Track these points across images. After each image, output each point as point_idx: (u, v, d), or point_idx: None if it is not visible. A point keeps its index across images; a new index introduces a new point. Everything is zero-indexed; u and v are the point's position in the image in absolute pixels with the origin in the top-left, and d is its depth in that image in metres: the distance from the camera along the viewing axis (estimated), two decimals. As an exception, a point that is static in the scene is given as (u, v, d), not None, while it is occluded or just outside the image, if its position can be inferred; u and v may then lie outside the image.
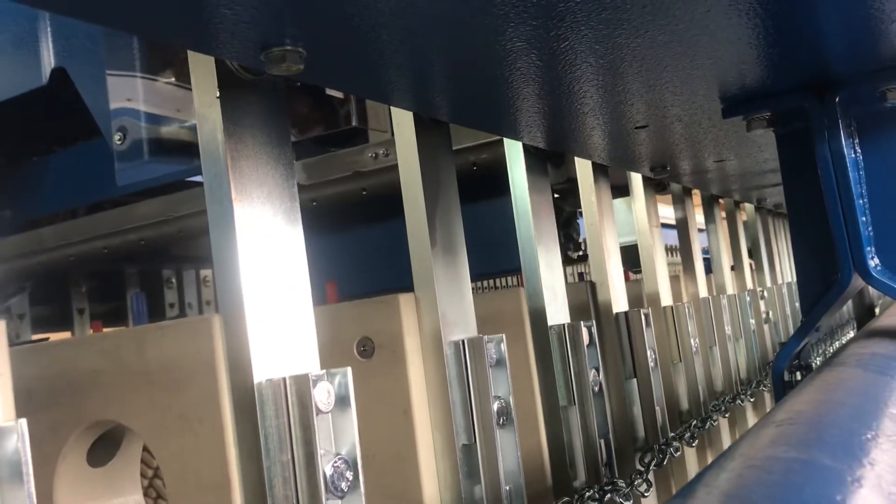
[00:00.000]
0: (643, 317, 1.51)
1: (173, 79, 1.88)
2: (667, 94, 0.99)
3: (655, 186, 1.81)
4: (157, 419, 0.79)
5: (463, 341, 0.98)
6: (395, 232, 1.06)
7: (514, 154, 1.27)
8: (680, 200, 2.01)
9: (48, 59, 2.22)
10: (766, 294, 2.49)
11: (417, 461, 0.95)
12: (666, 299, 1.75)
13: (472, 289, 1.06)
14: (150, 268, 2.91)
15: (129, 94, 1.98)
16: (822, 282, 1.10)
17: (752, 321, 2.22)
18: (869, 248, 1.06)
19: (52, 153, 2.60)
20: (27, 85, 2.24)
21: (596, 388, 1.25)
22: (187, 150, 1.88)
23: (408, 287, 1.00)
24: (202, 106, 0.73)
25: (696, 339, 1.73)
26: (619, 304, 1.54)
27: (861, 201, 1.07)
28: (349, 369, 0.73)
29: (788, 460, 0.48)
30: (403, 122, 1.00)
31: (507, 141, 1.27)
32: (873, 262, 1.06)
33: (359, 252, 2.25)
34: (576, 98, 0.99)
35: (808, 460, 0.48)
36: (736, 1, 0.72)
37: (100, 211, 2.48)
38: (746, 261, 2.53)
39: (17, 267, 2.59)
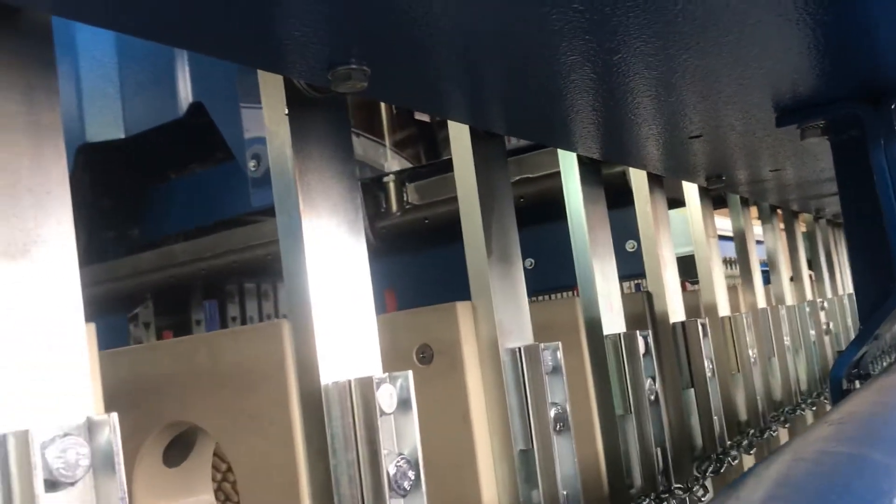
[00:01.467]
0: (700, 327, 1.51)
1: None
2: (720, 103, 1.00)
3: (713, 199, 1.81)
4: (229, 420, 0.83)
5: (519, 349, 1.00)
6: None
7: (568, 165, 1.29)
8: (737, 211, 2.00)
9: (185, 95, 2.48)
10: (826, 305, 2.45)
11: (476, 466, 0.97)
12: (723, 309, 1.74)
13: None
14: (213, 282, 3.02)
15: (262, 125, 2.18)
16: (879, 290, 1.10)
17: (813, 332, 2.19)
18: (928, 256, 1.06)
19: (179, 178, 2.83)
20: (165, 117, 2.48)
21: (652, 398, 1.26)
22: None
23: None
24: (272, 123, 0.77)
25: (755, 350, 1.72)
26: (676, 314, 1.55)
27: (919, 208, 1.06)
28: (410, 373, 0.76)
29: (838, 454, 0.49)
30: (460, 134, 1.03)
31: (560, 152, 1.29)
32: (933, 269, 1.06)
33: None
34: (629, 109, 1.01)
35: (857, 455, 0.49)
36: (786, 12, 0.74)
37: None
38: (806, 272, 2.50)
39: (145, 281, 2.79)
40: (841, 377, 1.13)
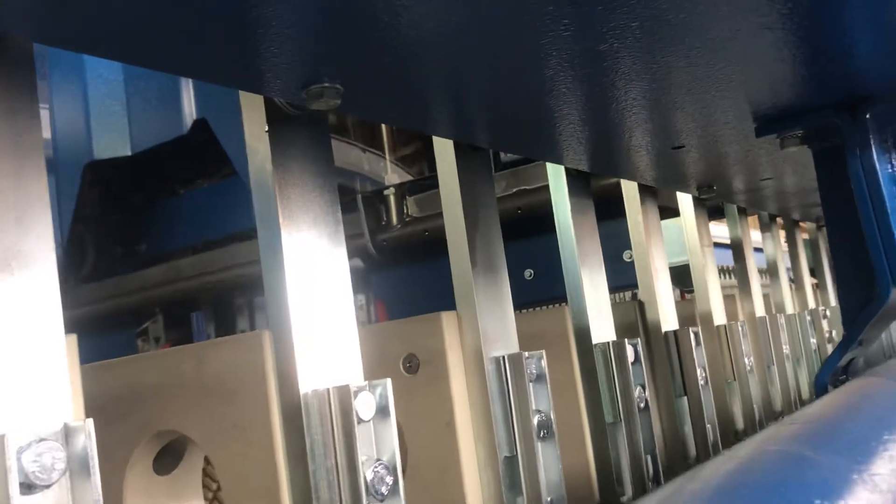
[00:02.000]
0: (693, 335, 1.53)
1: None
2: (697, 114, 1.02)
3: (709, 209, 1.83)
4: (213, 428, 0.86)
5: (503, 357, 1.02)
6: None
7: (557, 177, 1.31)
8: (734, 220, 2.01)
9: (189, 111, 2.54)
10: (829, 313, 2.45)
11: (461, 472, 0.99)
12: (719, 318, 1.75)
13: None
14: (219, 297, 3.05)
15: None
16: (862, 296, 1.11)
17: (814, 340, 2.19)
18: (909, 262, 1.07)
19: (185, 194, 2.88)
20: (170, 134, 2.55)
21: (642, 405, 1.27)
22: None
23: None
24: (252, 139, 0.80)
25: (751, 358, 1.73)
26: (669, 322, 1.56)
27: (901, 215, 1.08)
28: (389, 381, 0.78)
29: (784, 453, 0.51)
30: (444, 147, 1.06)
31: (549, 165, 1.31)
32: (914, 275, 1.07)
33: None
34: (610, 120, 1.03)
35: (804, 455, 0.51)
36: (760, 23, 0.75)
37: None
38: (808, 280, 2.50)
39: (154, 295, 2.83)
40: (825, 383, 1.15)
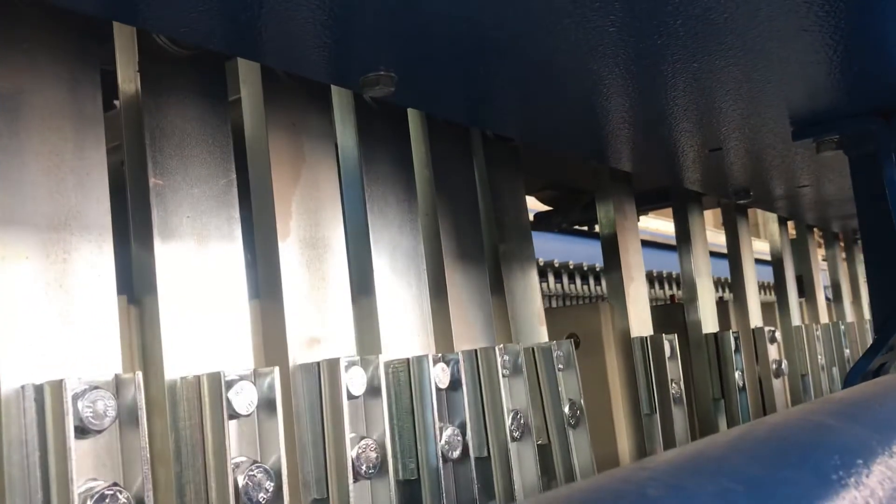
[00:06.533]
0: (732, 338, 1.56)
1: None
2: (735, 116, 1.03)
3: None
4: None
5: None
6: None
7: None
8: (776, 231, 2.03)
9: None
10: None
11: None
12: (756, 321, 1.77)
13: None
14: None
15: None
16: (893, 301, 1.11)
17: (847, 351, 2.18)
18: (942, 269, 1.07)
19: None
20: None
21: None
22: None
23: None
24: (343, 136, 0.90)
25: (783, 364, 1.75)
26: (709, 325, 1.61)
27: (934, 222, 1.08)
28: (431, 355, 0.81)
29: (813, 422, 0.53)
30: (416, 124, 1.07)
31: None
32: (946, 282, 1.07)
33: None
34: (652, 121, 1.05)
35: (828, 423, 0.52)
36: (784, 26, 0.77)
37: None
38: (848, 292, 2.49)
39: None
40: (854, 384, 1.15)
